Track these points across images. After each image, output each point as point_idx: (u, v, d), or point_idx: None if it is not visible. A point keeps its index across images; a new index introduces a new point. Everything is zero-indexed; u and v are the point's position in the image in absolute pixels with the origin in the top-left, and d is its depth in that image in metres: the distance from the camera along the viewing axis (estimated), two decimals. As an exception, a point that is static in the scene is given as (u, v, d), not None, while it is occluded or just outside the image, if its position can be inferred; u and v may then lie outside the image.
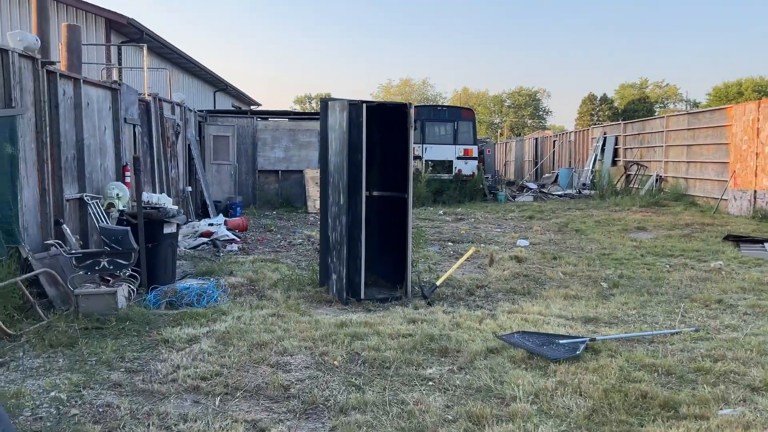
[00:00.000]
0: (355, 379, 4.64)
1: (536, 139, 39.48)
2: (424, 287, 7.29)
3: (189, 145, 14.91)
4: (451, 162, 21.42)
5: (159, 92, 16.99)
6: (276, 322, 6.08)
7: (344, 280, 7.07)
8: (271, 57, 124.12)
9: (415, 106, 21.94)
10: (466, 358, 5.06)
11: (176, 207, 8.43)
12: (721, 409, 4.08)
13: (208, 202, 15.22)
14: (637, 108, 65.99)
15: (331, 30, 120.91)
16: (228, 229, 12.63)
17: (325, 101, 7.46)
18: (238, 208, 16.41)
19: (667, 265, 9.14)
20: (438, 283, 7.39)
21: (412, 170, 7.39)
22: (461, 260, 7.90)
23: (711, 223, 14.16)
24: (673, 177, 19.57)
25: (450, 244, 11.82)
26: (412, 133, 7.36)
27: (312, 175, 18.10)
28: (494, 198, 21.37)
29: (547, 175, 34.85)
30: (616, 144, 24.57)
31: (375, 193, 7.99)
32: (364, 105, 7.02)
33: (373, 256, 8.04)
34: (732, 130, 16.15)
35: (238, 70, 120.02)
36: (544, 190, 24.39)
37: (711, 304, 6.89)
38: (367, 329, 5.81)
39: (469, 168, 21.53)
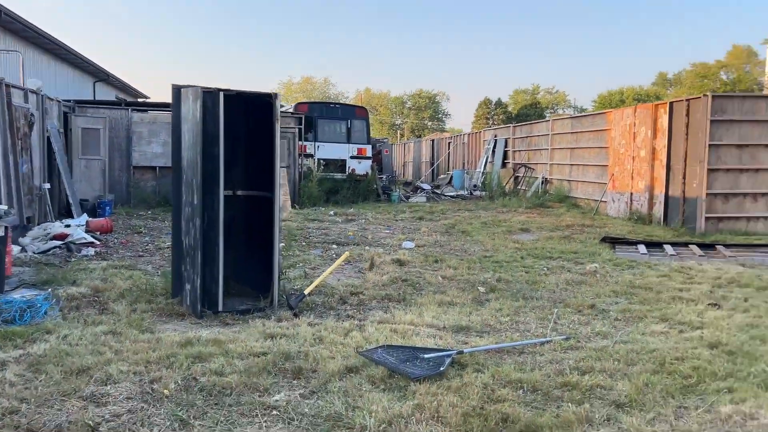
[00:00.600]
0: (185, 411, 3.97)
1: (433, 140, 39.89)
2: (290, 297, 6.68)
3: (49, 137, 13.46)
4: (344, 161, 20.94)
5: (16, 78, 15.30)
6: (109, 342, 5.26)
7: (199, 291, 6.33)
8: (169, 53, 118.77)
9: (307, 103, 21.37)
10: (320, 380, 4.51)
11: (5, 207, 7.32)
12: None
13: (71, 200, 13.83)
14: (529, 113, 68.58)
15: (232, 25, 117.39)
16: (88, 231, 11.45)
17: (177, 88, 6.66)
18: (108, 208, 15.08)
19: (545, 268, 9.06)
20: (307, 291, 6.80)
21: (278, 167, 6.76)
22: (334, 266, 7.35)
23: (590, 224, 14.51)
24: (557, 179, 20.09)
25: (334, 246, 11.28)
26: (277, 126, 6.72)
27: (193, 172, 16.95)
28: (388, 198, 21.10)
29: (442, 176, 35.23)
30: (506, 146, 25.06)
31: (240, 193, 7.29)
32: (221, 93, 6.31)
33: (239, 262, 7.36)
34: (611, 134, 16.72)
35: (132, 64, 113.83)
36: (438, 191, 24.46)
37: (584, 309, 6.75)
38: (215, 348, 5.13)
39: (362, 167, 21.14)
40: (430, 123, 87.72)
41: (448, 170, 34.43)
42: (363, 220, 15.61)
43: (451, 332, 5.82)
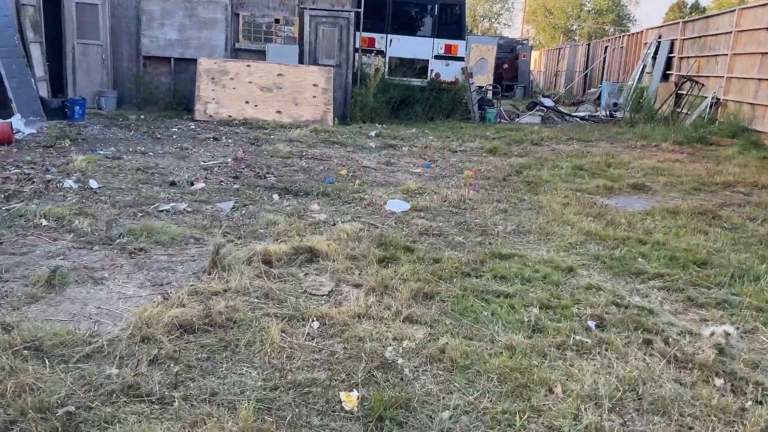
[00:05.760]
0: None
1: (588, 45, 32.31)
2: None
3: (-24, 7, 10.02)
4: (425, 62, 15.65)
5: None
6: None
7: None
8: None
9: (380, -20, 16.06)
10: None
11: None
12: None
13: (10, 94, 10.46)
14: (733, 17, 55.68)
15: None
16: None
17: None
18: (77, 108, 11.60)
19: (617, 328, 3.76)
20: None
21: None
22: None
23: (769, 185, 8.37)
24: (735, 101, 13.31)
25: (275, 197, 6.72)
26: None
27: (207, 66, 12.94)
28: (482, 117, 15.65)
29: (592, 89, 28.32)
30: (671, 51, 18.00)
31: None
32: None
33: None
34: (838, 30, 9.80)
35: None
36: (561, 109, 18.30)
37: None
38: None
39: (450, 72, 15.73)
40: (611, 29, 76.18)
41: (602, 82, 27.37)
42: (405, 149, 10.67)
43: None
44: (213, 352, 3.21)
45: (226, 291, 3.96)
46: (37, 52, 11.85)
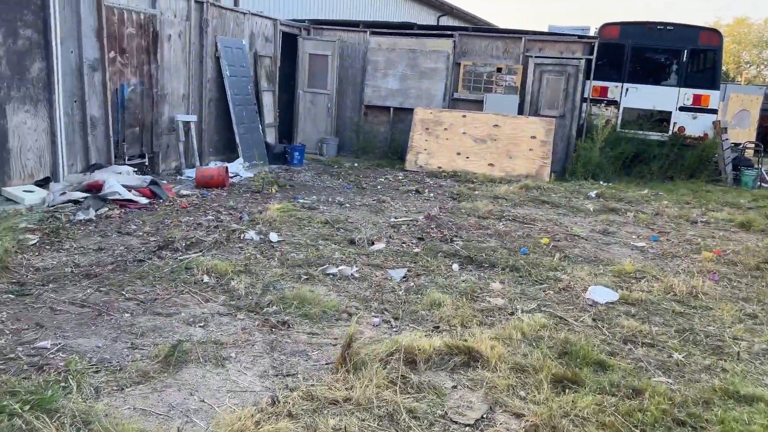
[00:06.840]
0: None
1: None
2: None
3: (218, 57, 10.93)
4: (667, 114, 13.63)
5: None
6: None
7: None
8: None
9: (619, 25, 14.39)
10: None
11: None
12: None
13: (237, 139, 11.19)
14: None
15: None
16: (198, 184, 8.53)
17: None
18: (297, 154, 12.08)
19: None
20: None
21: None
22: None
23: None
24: None
25: (470, 268, 5.89)
26: None
27: (423, 116, 12.70)
28: (736, 179, 13.09)
29: None
30: None
31: None
32: None
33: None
34: None
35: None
36: None
37: None
38: None
39: (698, 125, 13.49)
40: None
41: None
42: (630, 215, 9.11)
43: None
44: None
45: (346, 401, 3.19)
46: (268, 99, 12.65)
